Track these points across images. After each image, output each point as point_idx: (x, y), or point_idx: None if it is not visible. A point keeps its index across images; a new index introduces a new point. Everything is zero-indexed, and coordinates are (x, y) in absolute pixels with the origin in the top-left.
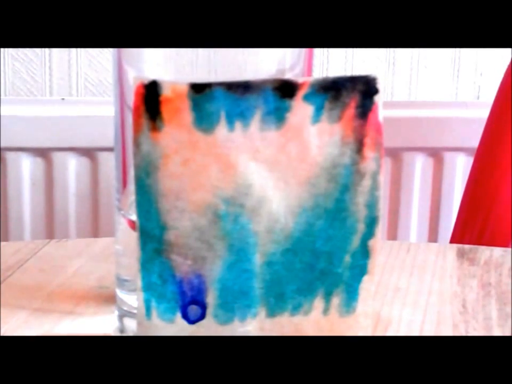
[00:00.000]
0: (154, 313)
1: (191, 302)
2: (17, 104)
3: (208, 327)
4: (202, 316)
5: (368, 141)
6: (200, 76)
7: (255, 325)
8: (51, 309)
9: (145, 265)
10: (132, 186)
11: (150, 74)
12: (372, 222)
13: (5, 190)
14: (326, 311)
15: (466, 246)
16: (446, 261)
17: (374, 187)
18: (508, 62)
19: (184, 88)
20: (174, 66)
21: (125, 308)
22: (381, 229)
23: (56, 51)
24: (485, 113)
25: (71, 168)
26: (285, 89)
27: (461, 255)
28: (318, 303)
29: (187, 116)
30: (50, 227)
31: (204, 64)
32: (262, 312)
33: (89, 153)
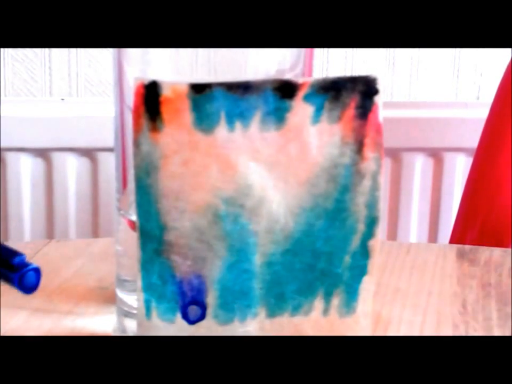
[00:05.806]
0: (154, 314)
1: (191, 302)
2: (17, 105)
3: (208, 327)
4: (202, 316)
5: (368, 141)
6: (200, 76)
7: (255, 325)
8: (51, 309)
9: (145, 265)
10: (131, 186)
11: (150, 75)
12: (371, 222)
13: (5, 190)
14: (326, 311)
15: (466, 246)
16: (446, 261)
17: (374, 187)
18: (508, 62)
19: (184, 88)
20: (174, 66)
21: (125, 308)
22: (381, 229)
23: (56, 51)
24: (485, 113)
25: (71, 168)
26: (285, 90)
27: (461, 255)
28: (318, 303)
29: (187, 116)
30: (50, 227)
31: (204, 64)
32: (262, 313)
33: (89, 153)
